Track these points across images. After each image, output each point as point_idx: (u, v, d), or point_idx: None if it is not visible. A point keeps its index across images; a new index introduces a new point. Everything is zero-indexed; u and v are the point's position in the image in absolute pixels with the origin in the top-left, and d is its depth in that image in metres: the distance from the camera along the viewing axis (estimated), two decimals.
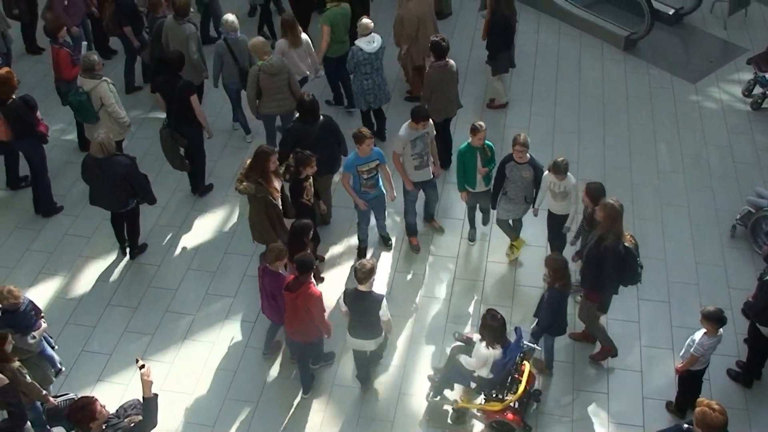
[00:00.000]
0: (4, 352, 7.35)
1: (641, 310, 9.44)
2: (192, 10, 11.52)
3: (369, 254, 10.23)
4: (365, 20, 10.94)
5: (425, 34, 11.54)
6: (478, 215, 10.32)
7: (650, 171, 11.31)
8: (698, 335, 7.75)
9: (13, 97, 9.95)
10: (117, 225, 10.10)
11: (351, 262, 10.11)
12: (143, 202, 9.88)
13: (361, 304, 8.02)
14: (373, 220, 10.13)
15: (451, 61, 10.61)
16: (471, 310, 9.56)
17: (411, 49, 11.77)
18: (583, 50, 13.63)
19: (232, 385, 8.85)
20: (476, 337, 8.03)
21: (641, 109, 12.39)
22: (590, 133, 11.92)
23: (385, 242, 10.36)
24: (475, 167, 9.53)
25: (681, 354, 8.01)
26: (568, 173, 9.06)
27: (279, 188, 9.13)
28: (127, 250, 10.28)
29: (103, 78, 10.36)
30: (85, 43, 11.78)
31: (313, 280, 8.20)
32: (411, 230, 10.31)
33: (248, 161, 9.15)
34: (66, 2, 12.08)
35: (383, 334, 8.31)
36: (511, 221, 9.87)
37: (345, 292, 8.20)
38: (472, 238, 10.39)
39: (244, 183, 8.96)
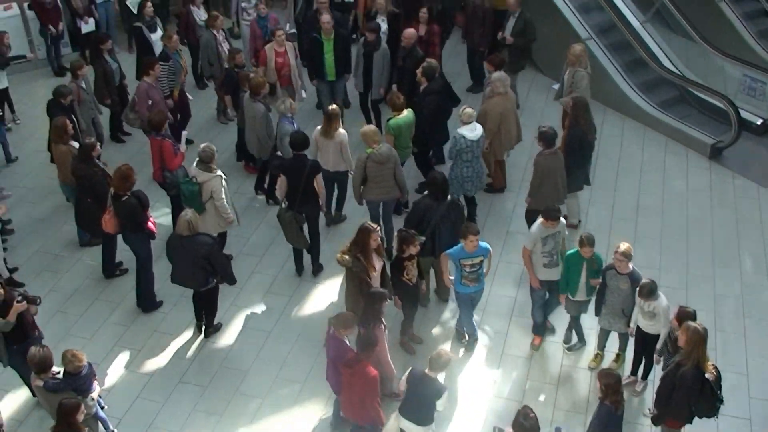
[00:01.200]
0: (76, 421, 7.47)
1: (720, 427, 9.05)
2: None
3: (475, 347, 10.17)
4: (468, 109, 11.14)
5: (508, 130, 11.70)
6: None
7: (734, 282, 11.03)
8: None
9: (128, 194, 10.11)
10: (198, 302, 10.22)
11: (453, 349, 10.13)
12: (223, 282, 9.98)
13: (422, 388, 7.90)
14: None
15: (560, 150, 10.72)
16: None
17: (493, 143, 11.85)
18: (668, 156, 13.53)
19: None
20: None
21: (726, 218, 12.17)
22: (673, 240, 11.73)
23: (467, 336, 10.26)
24: (579, 274, 9.37)
25: None
26: (661, 295, 8.81)
27: (378, 267, 9.21)
28: (203, 328, 10.37)
29: (218, 173, 10.52)
30: (185, 132, 12.08)
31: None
32: (536, 329, 10.17)
33: None
34: (150, 102, 12.41)
35: (433, 424, 8.14)
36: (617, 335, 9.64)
37: (411, 371, 8.08)
38: (568, 340, 10.16)
39: (345, 255, 9.11)
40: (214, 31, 13.72)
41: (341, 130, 11.29)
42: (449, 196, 10.13)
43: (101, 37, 13.64)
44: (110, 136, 13.95)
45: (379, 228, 9.38)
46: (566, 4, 15.13)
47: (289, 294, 10.95)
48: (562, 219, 9.59)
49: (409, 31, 12.96)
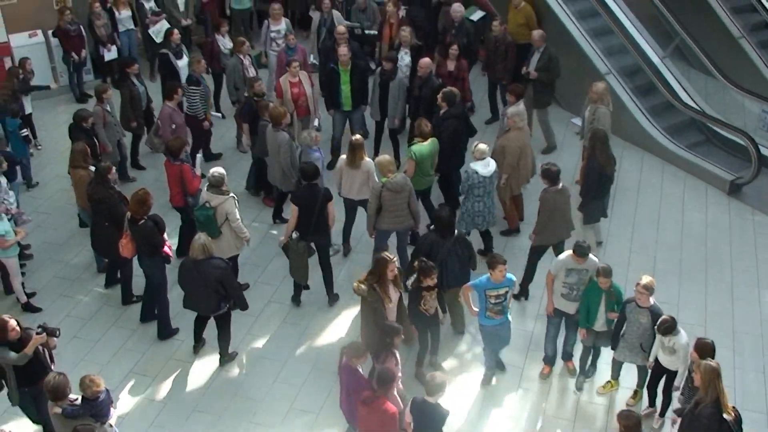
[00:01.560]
0: None
1: None
2: None
3: (494, 381, 10.12)
4: (482, 145, 11.15)
5: (526, 164, 11.73)
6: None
7: (753, 319, 10.94)
8: None
9: (145, 218, 10.18)
10: (200, 325, 10.32)
11: (469, 381, 10.12)
12: (235, 307, 9.99)
13: (425, 415, 7.86)
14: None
15: (565, 185, 10.71)
16: None
17: (511, 178, 11.83)
18: (687, 191, 13.49)
19: None
20: None
21: (745, 254, 12.09)
22: (691, 275, 11.66)
23: (499, 367, 10.20)
24: (598, 306, 9.34)
25: None
26: (681, 331, 8.76)
27: (395, 299, 9.20)
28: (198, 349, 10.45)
29: (231, 194, 10.61)
30: (200, 155, 12.29)
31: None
32: (547, 360, 10.15)
33: None
34: (173, 126, 12.60)
35: None
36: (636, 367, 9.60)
37: (412, 401, 8.03)
38: (580, 388, 10.05)
39: (361, 285, 9.15)
40: (241, 56, 13.90)
41: (367, 159, 11.35)
42: (456, 232, 10.10)
43: (128, 61, 13.83)
44: (131, 162, 14.06)
45: (396, 259, 9.34)
46: (586, 39, 15.16)
47: (305, 324, 10.93)
48: (594, 258, 9.55)
49: (425, 61, 13.05)
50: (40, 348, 8.60)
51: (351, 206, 11.68)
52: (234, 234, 10.67)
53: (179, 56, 14.40)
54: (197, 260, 9.51)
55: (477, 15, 16.33)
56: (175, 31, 14.78)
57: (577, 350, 10.09)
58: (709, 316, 10.90)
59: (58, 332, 8.78)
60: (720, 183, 13.47)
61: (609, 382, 9.87)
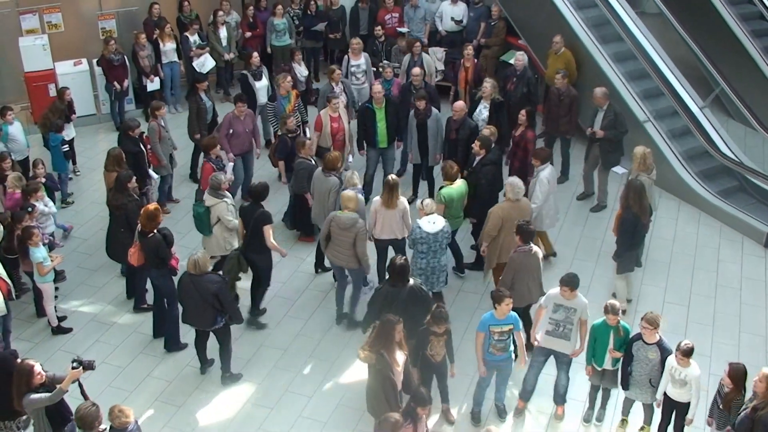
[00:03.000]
0: None
1: None
2: None
3: (483, 421, 9.95)
4: (427, 200, 11.02)
5: (508, 240, 10.85)
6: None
7: None
8: None
9: (155, 231, 10.50)
10: (201, 343, 10.42)
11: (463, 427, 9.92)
12: (232, 322, 10.14)
13: None
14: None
15: (536, 248, 10.34)
16: None
17: (490, 249, 11.15)
18: (723, 242, 13.33)
19: None
20: None
21: None
22: (725, 327, 11.47)
23: (499, 414, 10.04)
24: (606, 344, 9.28)
25: None
26: (693, 363, 8.75)
27: (402, 362, 8.86)
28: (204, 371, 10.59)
29: (224, 199, 11.33)
30: (231, 164, 13.12)
31: None
32: (524, 395, 10.06)
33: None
34: (230, 131, 13.33)
35: None
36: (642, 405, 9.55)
37: None
38: (588, 419, 9.98)
39: (367, 352, 8.76)
40: (333, 84, 14.39)
41: (402, 198, 11.35)
42: (410, 282, 9.80)
43: (199, 78, 14.63)
44: (189, 174, 14.67)
45: (401, 320, 8.91)
46: (627, 88, 15.11)
47: (333, 359, 10.90)
48: (583, 299, 9.49)
49: (459, 104, 13.03)
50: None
51: (383, 247, 11.58)
52: (224, 236, 11.39)
53: (258, 77, 15.12)
54: (193, 275, 9.73)
55: None
56: (255, 54, 15.40)
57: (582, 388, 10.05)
58: None
59: (93, 364, 8.54)
60: (756, 235, 13.29)
61: (623, 419, 9.78)
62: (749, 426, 8.15)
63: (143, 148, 12.86)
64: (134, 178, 11.57)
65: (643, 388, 9.21)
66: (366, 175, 13.79)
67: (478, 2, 17.10)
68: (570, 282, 9.32)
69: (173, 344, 10.94)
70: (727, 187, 14.36)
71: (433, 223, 10.70)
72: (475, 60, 15.32)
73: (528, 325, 10.37)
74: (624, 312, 11.00)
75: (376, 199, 11.40)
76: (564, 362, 9.75)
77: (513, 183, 11.07)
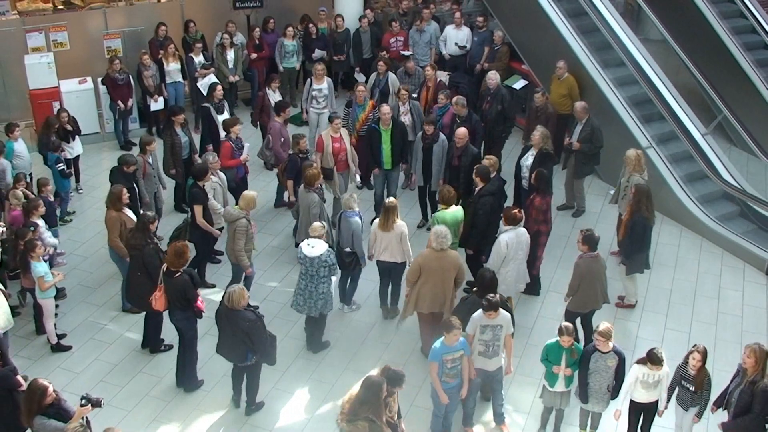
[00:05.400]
0: None
1: None
2: None
3: None
4: (316, 223, 10.93)
5: (424, 290, 10.53)
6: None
7: None
8: None
9: (181, 270, 10.16)
10: (237, 377, 10.23)
11: None
12: (263, 361, 9.95)
13: None
14: None
15: (600, 255, 10.65)
16: None
17: (410, 295, 10.69)
18: (724, 269, 13.31)
19: None
20: None
21: None
22: (726, 355, 11.41)
23: None
24: (558, 364, 9.39)
25: None
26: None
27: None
28: (243, 405, 10.33)
29: (211, 179, 12.10)
30: (248, 144, 13.61)
31: None
32: (467, 421, 10.06)
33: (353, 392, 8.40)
34: (282, 140, 13.80)
35: None
36: (589, 418, 9.74)
37: None
38: None
39: (358, 422, 8.11)
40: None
41: (399, 222, 11.34)
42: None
43: (174, 110, 14.08)
44: (174, 206, 14.36)
45: (385, 380, 8.40)
46: (628, 112, 15.16)
47: (332, 381, 10.86)
48: (505, 313, 9.55)
49: (462, 131, 12.95)
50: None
51: (384, 268, 11.62)
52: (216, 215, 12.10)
53: (220, 111, 14.70)
54: (229, 308, 9.53)
55: (520, 84, 16.51)
56: (219, 87, 15.07)
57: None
58: None
59: (102, 402, 8.47)
60: (758, 262, 13.27)
61: None
62: (749, 400, 8.73)
63: (138, 187, 12.58)
64: (157, 221, 11.39)
65: (600, 396, 9.38)
66: (376, 195, 13.93)
67: (482, 27, 17.23)
68: (492, 306, 9.32)
69: (191, 384, 10.68)
70: (728, 212, 14.38)
71: (312, 247, 10.62)
72: (439, 80, 15.50)
73: (590, 332, 10.63)
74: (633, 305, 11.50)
75: (375, 222, 11.48)
76: (498, 380, 9.84)
77: (437, 231, 10.41)
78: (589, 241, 10.52)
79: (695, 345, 9.20)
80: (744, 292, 12.80)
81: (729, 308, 12.42)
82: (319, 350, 11.28)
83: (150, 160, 13.02)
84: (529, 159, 13.12)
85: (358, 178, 14.14)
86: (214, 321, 9.91)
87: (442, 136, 13.36)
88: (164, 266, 10.21)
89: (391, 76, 15.59)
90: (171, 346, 11.20)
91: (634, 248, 11.75)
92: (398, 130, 13.53)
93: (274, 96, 15.32)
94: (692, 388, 9.16)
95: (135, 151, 14.41)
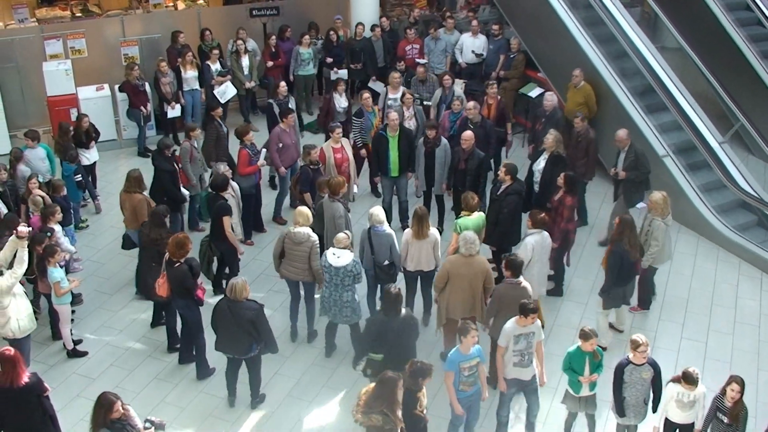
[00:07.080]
0: None
1: None
2: None
3: None
4: (340, 234, 10.82)
5: (454, 297, 10.57)
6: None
7: None
8: None
9: (182, 261, 10.42)
10: (233, 374, 10.36)
11: None
12: (266, 350, 10.09)
13: None
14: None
15: (526, 283, 10.04)
16: None
17: (439, 302, 10.78)
18: (741, 278, 13.24)
19: None
20: None
21: None
22: (743, 365, 11.33)
23: None
24: (581, 372, 9.28)
25: None
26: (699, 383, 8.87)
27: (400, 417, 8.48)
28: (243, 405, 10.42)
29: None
30: (264, 150, 13.70)
31: None
32: (501, 430, 9.94)
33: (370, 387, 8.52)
34: (280, 145, 13.71)
35: None
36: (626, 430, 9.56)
37: None
38: None
39: (371, 415, 8.23)
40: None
41: (433, 229, 11.31)
42: (403, 312, 9.63)
43: (212, 106, 14.81)
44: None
45: (401, 377, 8.46)
46: (645, 121, 15.10)
47: (334, 366, 10.85)
48: (537, 321, 9.43)
49: (468, 134, 12.90)
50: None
51: (412, 277, 11.47)
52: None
53: (284, 106, 15.11)
54: (231, 300, 9.69)
55: (536, 92, 16.47)
56: (282, 84, 15.50)
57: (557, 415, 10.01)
58: (759, 407, 10.54)
59: (164, 425, 8.39)
60: None
61: None
62: None
63: (176, 167, 13.20)
64: (169, 214, 11.88)
65: (638, 409, 9.23)
66: (383, 203, 13.78)
67: (498, 35, 17.21)
68: (530, 311, 9.20)
69: (204, 372, 10.91)
70: (746, 221, 14.30)
71: (337, 257, 10.59)
72: (498, 97, 15.06)
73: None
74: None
75: (407, 231, 11.32)
76: (533, 389, 9.73)
77: (466, 237, 10.42)
78: (512, 266, 9.97)
79: (732, 375, 8.86)
80: (761, 302, 12.71)
81: (746, 318, 12.34)
82: (357, 367, 10.55)
83: (195, 145, 13.63)
84: (541, 163, 13.02)
85: (356, 189, 13.99)
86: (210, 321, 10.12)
87: (444, 140, 13.34)
88: (166, 255, 10.51)
89: (456, 89, 15.50)
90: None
91: (610, 281, 11.08)
92: (405, 137, 13.47)
93: (340, 100, 15.48)
94: (726, 420, 8.83)
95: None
